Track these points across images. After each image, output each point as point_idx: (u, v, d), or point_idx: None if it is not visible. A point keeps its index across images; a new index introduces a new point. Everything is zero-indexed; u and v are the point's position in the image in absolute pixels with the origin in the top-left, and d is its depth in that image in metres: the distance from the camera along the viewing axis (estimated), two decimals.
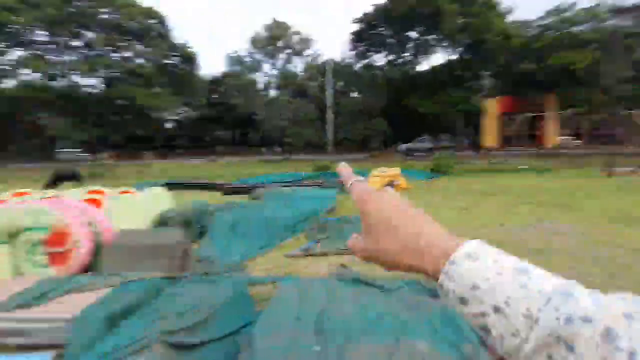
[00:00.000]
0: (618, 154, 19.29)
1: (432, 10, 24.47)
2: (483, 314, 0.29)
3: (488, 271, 0.30)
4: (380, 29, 29.74)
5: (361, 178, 0.43)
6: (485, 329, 0.29)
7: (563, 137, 23.74)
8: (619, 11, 13.34)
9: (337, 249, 4.35)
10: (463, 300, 0.30)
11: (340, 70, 32.61)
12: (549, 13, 27.33)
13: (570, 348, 0.25)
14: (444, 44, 29.66)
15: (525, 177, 13.61)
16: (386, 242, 0.36)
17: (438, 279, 0.32)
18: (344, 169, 0.47)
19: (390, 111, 29.26)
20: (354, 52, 32.81)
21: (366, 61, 32.23)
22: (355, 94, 35.43)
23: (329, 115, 29.16)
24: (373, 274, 3.29)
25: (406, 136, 28.09)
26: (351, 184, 0.43)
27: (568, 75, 23.26)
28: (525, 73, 25.39)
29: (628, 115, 21.23)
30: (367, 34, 29.80)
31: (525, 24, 28.51)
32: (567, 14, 26.44)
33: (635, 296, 0.26)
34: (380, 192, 0.40)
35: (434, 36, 28.93)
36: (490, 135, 24.73)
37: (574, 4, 26.18)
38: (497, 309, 0.28)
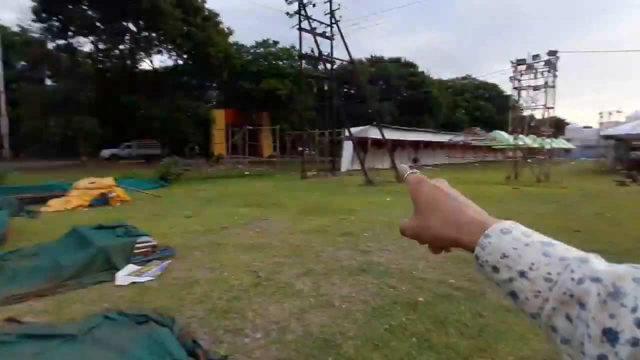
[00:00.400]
0: (310, 162, 26.62)
1: (150, 5, 22.86)
2: (510, 279, 0.33)
3: (517, 242, 0.34)
4: (82, 6, 24.12)
5: (416, 171, 0.48)
6: (513, 294, 0.33)
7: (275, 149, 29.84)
8: (301, 56, 18.53)
9: (5, 297, 3.08)
10: (495, 269, 0.35)
11: (19, 43, 23.42)
12: (258, 44, 33.43)
13: (582, 306, 0.28)
14: (169, 47, 28.69)
15: (247, 182, 15.41)
16: (431, 219, 0.42)
17: (474, 251, 0.37)
18: (402, 168, 0.51)
19: (104, 109, 24.47)
20: (43, 26, 24.58)
21: (63, 42, 25.09)
22: (51, 82, 26.79)
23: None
24: (58, 321, 2.67)
25: (124, 140, 24.78)
26: (406, 176, 0.48)
27: (275, 98, 29.50)
28: (245, 91, 29.57)
29: (313, 134, 30.13)
30: (61, 7, 23.16)
31: (242, 47, 33.25)
32: (272, 49, 33.56)
33: None
34: (432, 180, 0.46)
35: (154, 34, 27.20)
36: (219, 144, 26.69)
37: (277, 42, 33.70)
38: (522, 274, 0.33)
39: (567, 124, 62.67)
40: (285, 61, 33.91)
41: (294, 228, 6.05)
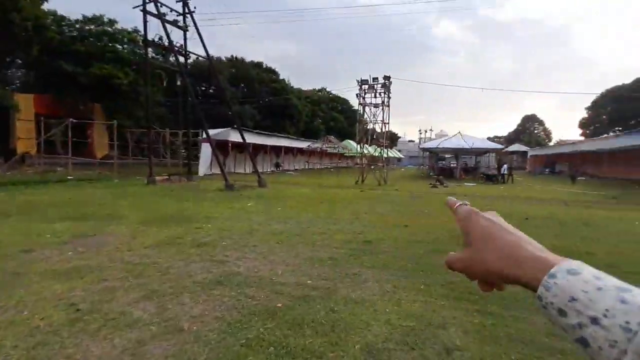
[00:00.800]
0: (160, 165, 23.58)
1: None
2: (580, 325, 0.30)
3: (587, 285, 0.31)
4: None
5: (467, 203, 0.48)
6: (583, 341, 0.30)
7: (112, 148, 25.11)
8: (146, 43, 16.18)
9: None
10: (561, 312, 0.32)
11: None
12: (88, 20, 27.53)
13: None
14: None
15: (70, 189, 12.36)
16: (487, 252, 0.40)
17: (536, 290, 0.34)
18: (450, 200, 0.51)
19: None
20: None
21: None
22: None
23: None
24: None
25: None
26: (457, 207, 0.48)
27: (112, 87, 24.85)
28: (68, 74, 23.73)
29: (163, 133, 26.80)
30: None
31: (64, 20, 26.63)
32: (108, 29, 28.21)
33: None
34: (484, 212, 0.45)
35: None
36: (25, 139, 20.33)
37: (115, 21, 28.52)
38: (594, 320, 0.29)
39: (399, 137, 78.53)
40: (125, 46, 29.16)
41: (134, 243, 5.12)
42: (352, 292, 3.43)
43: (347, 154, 38.95)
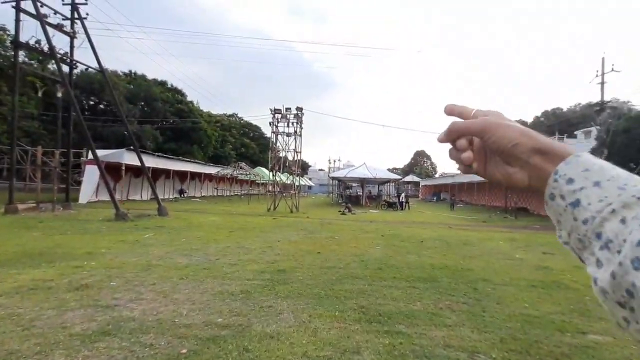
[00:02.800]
0: (24, 190, 19.26)
1: None
2: (581, 189, 0.34)
3: (605, 165, 0.34)
4: None
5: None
6: (574, 203, 0.34)
7: None
8: (17, 45, 13.54)
9: None
10: (570, 181, 0.34)
11: None
12: None
13: (634, 216, 0.30)
14: None
15: None
16: (506, 130, 0.39)
17: (555, 167, 0.36)
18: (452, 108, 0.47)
19: None
20: None
21: None
22: None
23: None
24: None
25: None
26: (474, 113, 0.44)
27: None
28: None
29: (34, 152, 22.19)
30: None
31: None
32: None
33: None
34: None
35: None
36: None
37: None
38: (596, 183, 0.33)
39: (310, 166, 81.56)
40: None
41: None
42: (267, 327, 3.27)
43: (259, 181, 38.52)
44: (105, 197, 15.04)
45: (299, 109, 20.35)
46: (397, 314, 3.76)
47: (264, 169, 33.81)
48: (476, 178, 34.84)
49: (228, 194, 37.14)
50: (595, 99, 21.25)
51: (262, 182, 37.26)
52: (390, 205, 26.15)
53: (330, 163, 53.39)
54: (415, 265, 6.27)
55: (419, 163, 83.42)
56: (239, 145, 52.01)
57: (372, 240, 9.25)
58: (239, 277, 5.01)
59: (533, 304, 4.31)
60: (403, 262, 6.44)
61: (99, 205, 17.30)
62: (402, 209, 25.46)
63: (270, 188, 22.06)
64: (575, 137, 45.35)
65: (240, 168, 33.22)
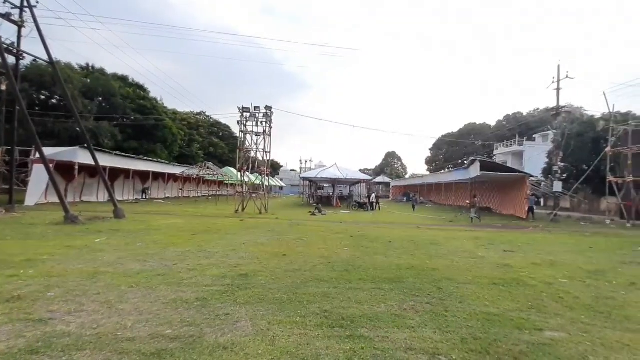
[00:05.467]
0: None
1: None
2: None
3: None
4: None
5: None
6: None
7: None
8: None
9: None
10: None
11: None
12: None
13: None
14: None
15: None
16: None
17: None
18: None
19: None
20: None
21: None
22: None
23: None
24: None
25: None
26: None
27: None
28: None
29: None
30: None
31: None
32: None
33: None
34: None
35: None
36: None
37: None
38: None
39: (281, 166, 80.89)
40: None
41: None
42: (220, 337, 3.07)
43: (227, 182, 37.57)
44: (56, 198, 13.93)
45: (268, 107, 20.03)
46: (360, 317, 3.68)
47: (232, 169, 33.00)
48: (443, 179, 36.00)
49: (194, 196, 35.87)
50: (552, 104, 22.68)
51: (230, 182, 36.40)
52: (361, 206, 26.41)
53: (301, 163, 53.21)
54: (382, 266, 6.26)
55: (390, 164, 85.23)
56: (207, 144, 50.52)
57: (341, 242, 9.20)
58: (196, 284, 4.73)
59: (494, 301, 4.40)
60: (370, 264, 6.42)
61: (48, 208, 16.03)
62: (372, 210, 25.78)
63: (238, 189, 21.51)
64: (534, 140, 48.27)
65: (208, 168, 32.22)
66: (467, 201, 21.94)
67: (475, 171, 22.28)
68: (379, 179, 62.83)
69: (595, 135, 24.22)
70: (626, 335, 3.45)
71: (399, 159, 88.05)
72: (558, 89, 21.40)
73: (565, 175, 23.11)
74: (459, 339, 3.21)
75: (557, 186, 21.33)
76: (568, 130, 23.64)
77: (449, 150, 67.17)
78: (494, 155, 50.48)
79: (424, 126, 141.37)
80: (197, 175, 32.44)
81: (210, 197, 35.60)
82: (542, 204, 29.49)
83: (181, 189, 37.31)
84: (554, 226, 16.82)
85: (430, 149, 73.99)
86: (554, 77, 21.20)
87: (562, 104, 22.01)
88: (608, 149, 19.52)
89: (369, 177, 37.63)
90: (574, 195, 24.86)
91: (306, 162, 58.79)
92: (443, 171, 48.03)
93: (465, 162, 32.71)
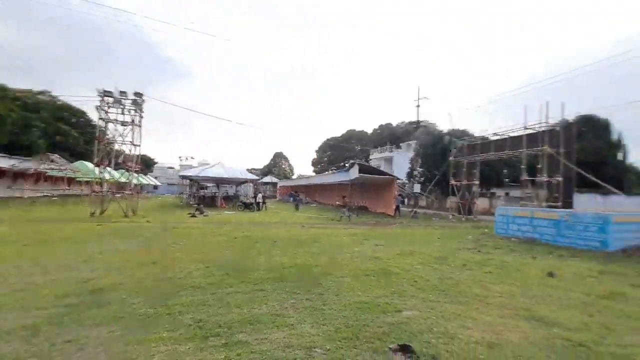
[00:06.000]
0: None
1: None
2: None
3: None
4: None
5: None
6: None
7: None
8: None
9: None
10: None
11: None
12: None
13: None
14: None
15: None
16: None
17: None
18: None
19: None
20: None
21: None
22: None
23: None
24: None
25: None
26: None
27: None
28: None
29: None
30: None
31: None
32: None
33: None
34: None
35: None
36: None
37: None
38: None
39: (156, 162, 72.39)
40: None
41: None
42: None
43: (80, 179, 31.45)
44: None
45: (138, 94, 17.64)
46: (238, 322, 3.55)
47: (88, 164, 27.82)
48: (327, 180, 38.56)
49: (31, 196, 28.73)
50: (414, 118, 26.96)
51: (85, 180, 30.65)
52: (247, 206, 25.94)
53: (181, 160, 48.89)
54: (265, 266, 6.23)
55: (278, 164, 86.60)
56: (52, 132, 41.20)
57: (223, 244, 8.79)
58: (24, 307, 3.75)
59: (365, 290, 4.89)
60: (253, 265, 6.31)
61: None
62: (259, 210, 25.64)
63: (96, 187, 18.21)
64: (400, 147, 56.46)
65: (51, 161, 26.32)
66: (337, 202, 24.06)
67: (354, 173, 24.58)
68: (267, 179, 63.04)
69: (444, 147, 29.90)
70: (459, 307, 4.32)
71: (287, 160, 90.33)
72: (418, 106, 25.60)
73: (422, 179, 27.79)
74: (334, 329, 3.43)
75: (417, 188, 25.49)
76: (424, 141, 28.56)
77: (333, 153, 72.58)
78: (370, 160, 56.85)
79: (312, 129, 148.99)
80: (36, 170, 26.15)
81: (56, 198, 29.17)
82: (405, 203, 34.74)
83: (10, 187, 29.48)
84: (414, 222, 19.99)
85: (316, 151, 78.42)
86: (415, 98, 25.23)
87: (421, 119, 26.44)
88: (451, 158, 24.32)
89: (256, 177, 37.27)
90: (429, 196, 30.14)
91: (187, 158, 54.40)
92: (327, 172, 51.47)
93: (347, 164, 35.88)
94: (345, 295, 4.64)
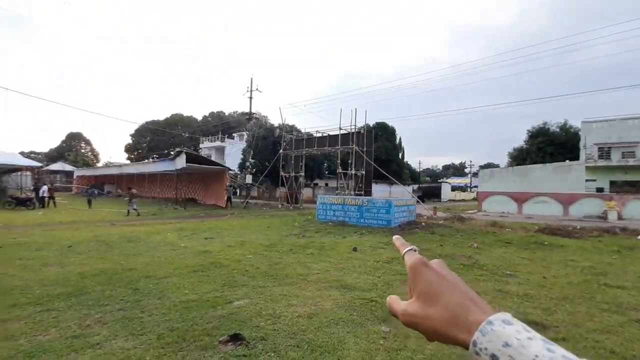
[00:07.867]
0: None
1: None
2: None
3: (520, 334, 0.36)
4: None
5: (415, 248, 0.49)
6: None
7: None
8: None
9: None
10: (493, 357, 0.36)
11: None
12: None
13: None
14: None
15: None
16: (434, 311, 0.41)
17: (471, 340, 0.37)
18: (397, 240, 0.53)
19: None
20: None
21: None
22: None
23: None
24: None
25: None
26: (405, 253, 0.48)
27: None
28: None
29: None
30: None
31: None
32: None
33: None
34: (433, 262, 0.46)
35: None
36: None
37: None
38: None
39: None
40: None
41: None
42: None
43: None
44: None
45: None
46: None
47: None
48: (147, 169, 34.08)
49: None
50: (247, 109, 27.27)
51: None
52: (22, 203, 19.73)
53: None
54: (54, 280, 4.94)
55: (75, 148, 69.88)
56: None
57: None
58: None
59: (193, 288, 4.62)
60: (33, 281, 4.89)
61: None
62: (43, 207, 20.04)
63: None
64: (233, 138, 56.02)
65: None
66: (126, 192, 21.91)
67: (181, 162, 22.72)
68: (56, 166, 49.96)
69: (275, 140, 31.64)
70: (285, 288, 4.70)
71: (88, 143, 74.15)
72: (251, 98, 26.03)
73: (255, 170, 28.56)
74: (155, 337, 3.09)
75: (249, 179, 25.97)
76: (257, 133, 29.39)
77: (154, 139, 64.51)
78: (201, 149, 53.88)
79: (124, 109, 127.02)
80: None
81: None
82: (237, 193, 34.90)
83: None
84: (246, 212, 20.34)
85: (131, 135, 67.67)
86: (247, 87, 25.53)
87: (254, 110, 27.01)
88: (281, 151, 26.04)
89: (36, 164, 28.85)
90: (260, 186, 31.33)
91: None
92: (147, 161, 45.47)
93: (172, 152, 32.70)
94: (170, 296, 4.25)
